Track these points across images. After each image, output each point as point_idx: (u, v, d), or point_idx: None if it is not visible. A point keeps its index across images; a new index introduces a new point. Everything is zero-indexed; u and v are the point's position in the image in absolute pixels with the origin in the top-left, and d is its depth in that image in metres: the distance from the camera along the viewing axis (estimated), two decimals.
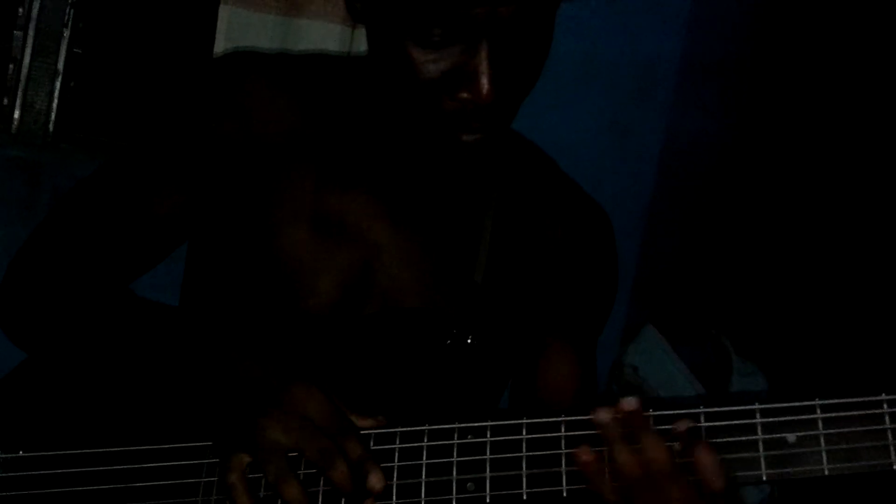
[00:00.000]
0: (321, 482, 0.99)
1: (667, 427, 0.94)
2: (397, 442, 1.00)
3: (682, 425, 0.93)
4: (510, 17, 0.96)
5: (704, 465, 0.91)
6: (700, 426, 0.94)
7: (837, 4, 2.42)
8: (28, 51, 2.30)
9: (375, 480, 0.95)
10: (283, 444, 0.95)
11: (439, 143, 1.05)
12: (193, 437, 1.05)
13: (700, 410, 0.94)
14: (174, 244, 1.22)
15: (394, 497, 0.99)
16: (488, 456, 0.98)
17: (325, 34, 2.12)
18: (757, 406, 0.93)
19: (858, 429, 0.89)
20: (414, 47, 0.99)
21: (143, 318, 1.11)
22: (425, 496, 0.98)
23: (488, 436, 0.98)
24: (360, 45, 2.10)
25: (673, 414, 0.95)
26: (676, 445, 0.93)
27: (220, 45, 2.08)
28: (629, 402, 0.93)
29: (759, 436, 0.92)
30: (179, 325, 1.08)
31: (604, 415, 0.94)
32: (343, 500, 0.99)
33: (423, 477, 0.99)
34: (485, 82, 0.97)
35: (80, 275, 1.17)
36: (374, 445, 1.00)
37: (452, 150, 1.05)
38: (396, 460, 1.00)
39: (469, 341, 1.13)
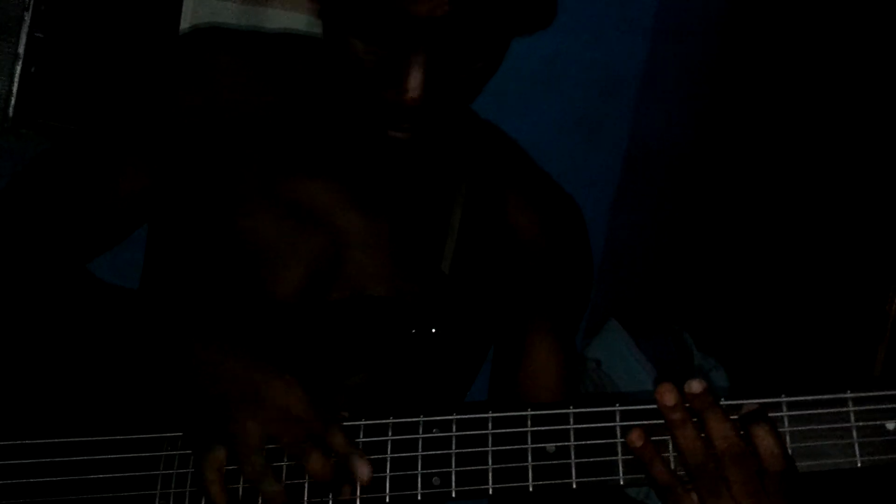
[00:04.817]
0: (306, 476, 0.98)
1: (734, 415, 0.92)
2: (361, 436, 0.99)
3: (750, 406, 0.91)
4: (449, 23, 0.95)
5: (762, 444, 0.89)
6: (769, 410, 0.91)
7: (800, 7, 2.44)
8: None
9: (364, 471, 0.95)
10: (258, 435, 0.94)
11: (367, 136, 1.05)
12: (151, 427, 1.03)
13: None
14: (135, 224, 1.20)
15: (357, 493, 0.98)
16: (454, 450, 0.97)
17: (290, 24, 2.11)
18: (723, 403, 0.92)
19: (824, 426, 0.90)
20: (356, 39, 0.99)
21: (104, 300, 1.09)
22: (390, 491, 0.97)
23: (454, 430, 0.98)
24: None
25: (735, 404, 0.93)
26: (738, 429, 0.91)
27: None
28: (695, 385, 0.91)
29: None
30: (145, 309, 1.07)
31: (668, 396, 0.91)
32: (324, 491, 0.98)
33: (388, 471, 0.98)
34: (414, 85, 0.97)
35: (36, 252, 1.15)
36: None
37: (379, 145, 1.05)
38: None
39: (433, 332, 1.12)
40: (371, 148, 1.07)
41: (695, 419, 0.91)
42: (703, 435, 0.91)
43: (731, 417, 0.91)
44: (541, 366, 1.23)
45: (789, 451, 0.90)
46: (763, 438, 0.89)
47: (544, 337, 1.23)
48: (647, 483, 0.94)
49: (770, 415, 0.91)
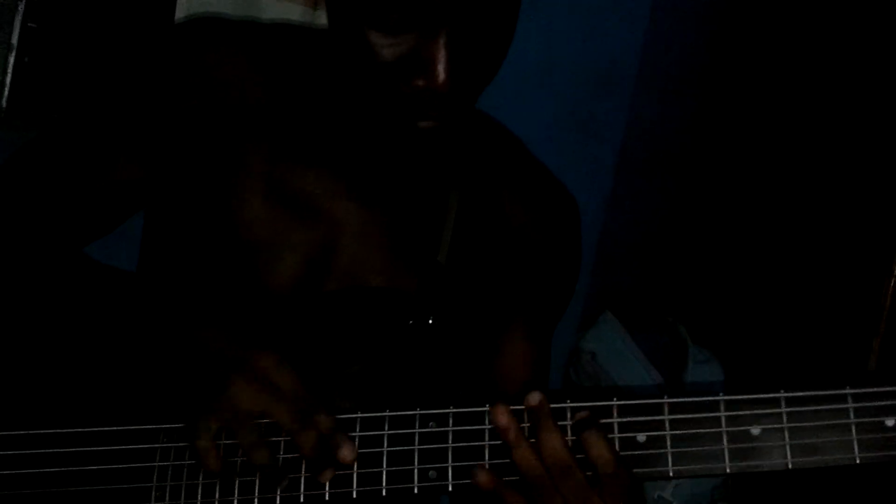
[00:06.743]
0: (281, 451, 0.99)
1: (565, 422, 0.95)
2: (357, 429, 0.99)
3: (582, 414, 0.94)
4: (470, 4, 0.94)
5: (592, 450, 0.91)
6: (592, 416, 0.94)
7: (796, 2, 2.44)
8: None
9: (347, 451, 0.96)
10: (251, 408, 0.95)
11: (395, 129, 1.03)
12: (147, 419, 1.03)
13: (664, 401, 0.93)
14: (127, 212, 1.20)
15: (354, 485, 0.98)
16: (450, 444, 0.97)
17: (284, 14, 2.10)
18: (721, 397, 0.92)
19: (823, 423, 0.90)
20: (371, 30, 0.97)
21: (99, 280, 1.09)
22: (386, 485, 0.98)
23: (450, 424, 0.98)
24: (322, 24, 2.08)
25: (598, 405, 0.95)
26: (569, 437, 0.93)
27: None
28: (532, 398, 0.93)
29: (723, 428, 0.92)
30: (142, 287, 1.07)
31: (502, 419, 0.93)
32: (307, 469, 0.98)
33: (384, 465, 0.98)
34: (441, 71, 0.95)
35: (28, 237, 1.15)
36: None
37: (408, 136, 1.03)
38: (357, 448, 0.99)
39: (431, 322, 1.12)
40: (398, 140, 1.06)
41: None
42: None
43: (561, 423, 0.94)
44: (515, 361, 1.23)
45: (788, 449, 0.91)
46: (593, 445, 0.91)
47: (521, 331, 1.23)
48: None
49: (768, 410, 0.91)
